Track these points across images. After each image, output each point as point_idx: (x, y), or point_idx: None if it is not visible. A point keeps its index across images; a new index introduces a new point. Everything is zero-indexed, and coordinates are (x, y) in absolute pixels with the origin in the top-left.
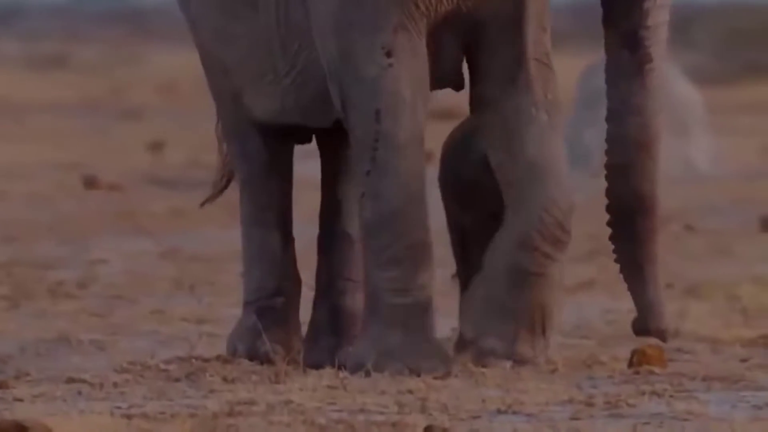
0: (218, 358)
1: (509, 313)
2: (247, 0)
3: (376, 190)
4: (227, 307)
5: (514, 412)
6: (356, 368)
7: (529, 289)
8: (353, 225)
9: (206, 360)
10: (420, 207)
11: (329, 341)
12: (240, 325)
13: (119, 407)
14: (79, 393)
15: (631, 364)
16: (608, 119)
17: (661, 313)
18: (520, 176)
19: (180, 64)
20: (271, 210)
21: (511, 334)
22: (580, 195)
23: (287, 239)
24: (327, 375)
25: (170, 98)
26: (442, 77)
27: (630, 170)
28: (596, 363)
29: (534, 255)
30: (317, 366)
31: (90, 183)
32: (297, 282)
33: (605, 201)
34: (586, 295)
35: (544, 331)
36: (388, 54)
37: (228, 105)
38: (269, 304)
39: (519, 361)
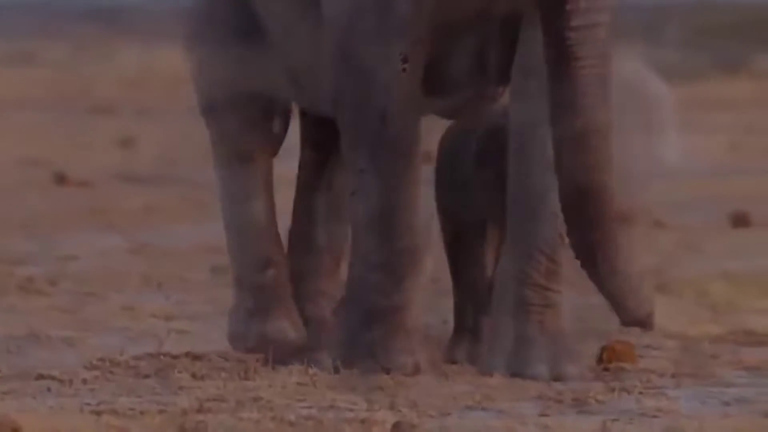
0: (187, 354)
1: (532, 342)
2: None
3: (369, 189)
4: (197, 303)
5: (484, 409)
6: (333, 358)
7: (540, 319)
8: (324, 235)
9: (175, 356)
10: (412, 212)
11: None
12: (239, 309)
13: (88, 404)
14: (49, 389)
15: (600, 361)
16: (550, 120)
17: (630, 306)
18: (518, 204)
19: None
20: (255, 181)
21: (547, 358)
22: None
23: (271, 210)
24: (296, 371)
25: (140, 95)
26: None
27: (569, 166)
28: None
29: (535, 289)
30: None
31: (60, 179)
32: (283, 253)
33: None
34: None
35: (569, 356)
36: (404, 60)
37: (218, 85)
38: (262, 280)
39: (564, 380)
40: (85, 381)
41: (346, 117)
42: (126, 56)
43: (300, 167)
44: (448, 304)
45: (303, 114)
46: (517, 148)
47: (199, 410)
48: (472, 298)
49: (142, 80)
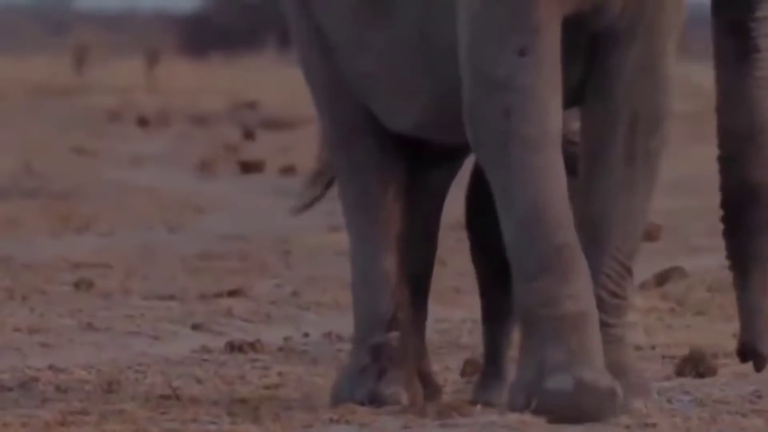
0: (51, 367)
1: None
2: (382, 9)
3: (511, 196)
4: (59, 316)
5: (347, 422)
6: (519, 390)
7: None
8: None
9: (39, 369)
10: (561, 207)
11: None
12: (351, 368)
13: None
14: None
15: (463, 374)
16: (717, 110)
17: (759, 331)
18: (583, 232)
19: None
20: (385, 232)
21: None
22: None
23: (402, 263)
24: (159, 385)
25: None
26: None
27: (739, 161)
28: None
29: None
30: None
31: None
32: (409, 312)
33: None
34: None
35: (636, 390)
36: (522, 53)
37: (344, 113)
38: (384, 341)
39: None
40: None
41: (475, 120)
42: None
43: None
44: (309, 317)
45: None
46: (587, 173)
47: (63, 423)
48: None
49: (2, 91)
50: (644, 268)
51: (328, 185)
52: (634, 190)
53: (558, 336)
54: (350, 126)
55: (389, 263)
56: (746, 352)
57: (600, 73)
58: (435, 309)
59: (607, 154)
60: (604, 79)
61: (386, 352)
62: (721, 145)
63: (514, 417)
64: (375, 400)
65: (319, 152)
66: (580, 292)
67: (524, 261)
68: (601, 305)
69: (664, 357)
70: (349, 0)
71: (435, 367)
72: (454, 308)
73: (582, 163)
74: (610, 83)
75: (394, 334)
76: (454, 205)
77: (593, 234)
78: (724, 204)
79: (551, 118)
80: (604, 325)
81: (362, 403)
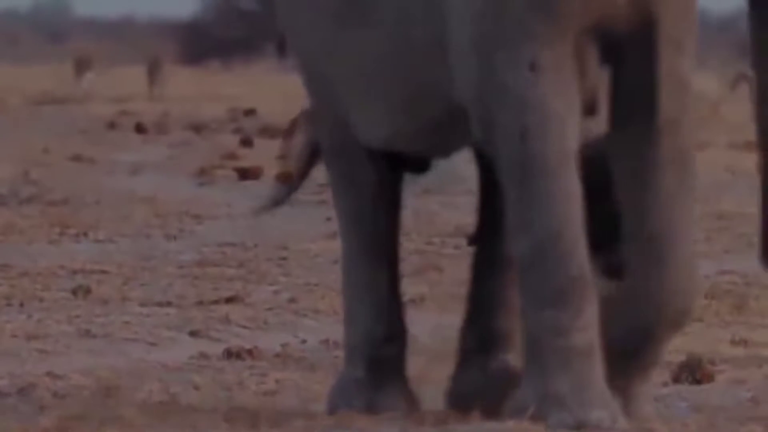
0: (49, 374)
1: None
2: (358, 9)
3: (528, 219)
4: (57, 323)
5: (345, 428)
6: (517, 414)
7: (643, 375)
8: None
9: (37, 376)
10: (577, 234)
11: (480, 361)
12: (346, 379)
13: None
14: None
15: None
16: (756, 102)
17: None
18: (639, 248)
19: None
20: (379, 245)
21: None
22: (407, 212)
23: (396, 278)
24: (157, 391)
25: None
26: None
27: None
28: (427, 380)
29: (653, 345)
30: (465, 397)
31: None
32: (404, 328)
33: (433, 218)
34: (416, 312)
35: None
36: (533, 68)
37: (331, 126)
38: (381, 354)
39: None
40: None
41: (492, 141)
42: None
43: (481, 176)
44: (306, 324)
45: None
46: (626, 186)
47: (61, 429)
48: None
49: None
50: None
51: (295, 188)
52: (679, 196)
53: (564, 366)
54: (343, 137)
55: (383, 275)
56: None
57: (624, 82)
58: (432, 315)
59: (643, 164)
60: (628, 89)
61: (383, 365)
62: (763, 146)
63: (511, 424)
64: (373, 410)
65: (296, 155)
66: (589, 324)
67: (536, 289)
68: (666, 324)
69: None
70: (319, 3)
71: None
72: (452, 315)
73: (618, 174)
74: (635, 92)
75: (391, 348)
76: (452, 213)
77: (652, 254)
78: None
79: (568, 137)
80: (663, 342)
81: (359, 412)
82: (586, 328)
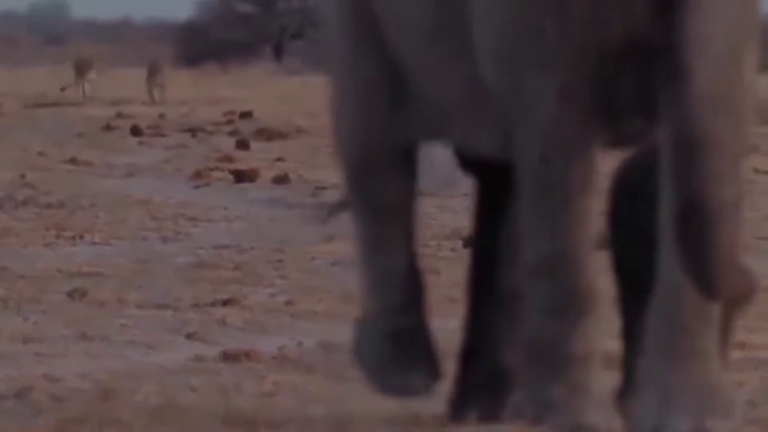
0: (46, 376)
1: (677, 393)
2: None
3: (539, 232)
4: (54, 326)
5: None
6: (515, 418)
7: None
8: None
9: (34, 379)
10: (585, 253)
11: (484, 404)
12: (374, 356)
13: None
14: None
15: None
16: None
17: None
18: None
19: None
20: (401, 231)
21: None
22: None
23: (416, 259)
24: (154, 394)
25: None
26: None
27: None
28: None
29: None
30: (464, 400)
31: None
32: (425, 299)
33: (429, 221)
34: None
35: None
36: (559, 95)
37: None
38: (399, 324)
39: None
40: None
41: (515, 157)
42: None
43: (480, 205)
44: (303, 326)
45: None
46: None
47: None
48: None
49: None
50: None
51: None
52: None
53: (560, 372)
54: (380, 157)
55: (403, 258)
56: None
57: (659, 96)
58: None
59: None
60: (663, 102)
61: (409, 339)
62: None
63: (509, 428)
64: (404, 392)
65: None
66: (591, 333)
67: (539, 297)
68: (686, 317)
69: None
70: (419, 25)
71: None
72: (448, 318)
73: (663, 188)
74: (670, 105)
75: (411, 317)
76: (449, 216)
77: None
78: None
79: (589, 165)
80: (689, 336)
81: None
82: (585, 338)
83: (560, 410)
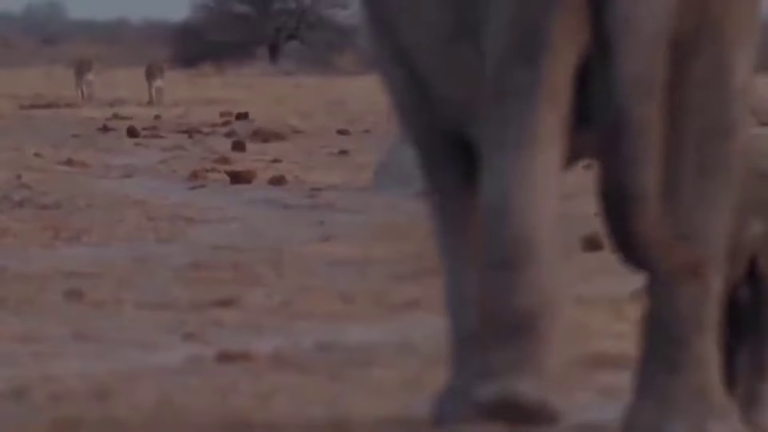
0: (43, 377)
1: (674, 398)
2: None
3: (491, 178)
4: (51, 326)
5: None
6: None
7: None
8: None
9: (31, 379)
10: (527, 202)
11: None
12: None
13: None
14: None
15: None
16: None
17: None
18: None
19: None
20: (470, 248)
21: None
22: (402, 216)
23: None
24: (152, 394)
25: None
26: None
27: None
28: (421, 384)
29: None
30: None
31: None
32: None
33: (429, 222)
34: (411, 315)
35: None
36: (529, 88)
37: (428, 138)
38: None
39: None
40: None
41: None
42: None
43: None
44: (300, 327)
45: None
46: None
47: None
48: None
49: None
50: (637, 278)
51: None
52: (709, 203)
53: (504, 335)
54: (434, 151)
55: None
56: None
57: (665, 87)
58: (428, 319)
59: (678, 168)
60: (668, 93)
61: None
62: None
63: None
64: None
65: None
66: (534, 284)
67: (486, 249)
68: (679, 322)
69: None
70: (433, 21)
71: (427, 378)
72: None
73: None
74: (676, 97)
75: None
76: None
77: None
78: None
79: (551, 207)
80: (683, 343)
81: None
82: (529, 288)
83: (493, 379)
